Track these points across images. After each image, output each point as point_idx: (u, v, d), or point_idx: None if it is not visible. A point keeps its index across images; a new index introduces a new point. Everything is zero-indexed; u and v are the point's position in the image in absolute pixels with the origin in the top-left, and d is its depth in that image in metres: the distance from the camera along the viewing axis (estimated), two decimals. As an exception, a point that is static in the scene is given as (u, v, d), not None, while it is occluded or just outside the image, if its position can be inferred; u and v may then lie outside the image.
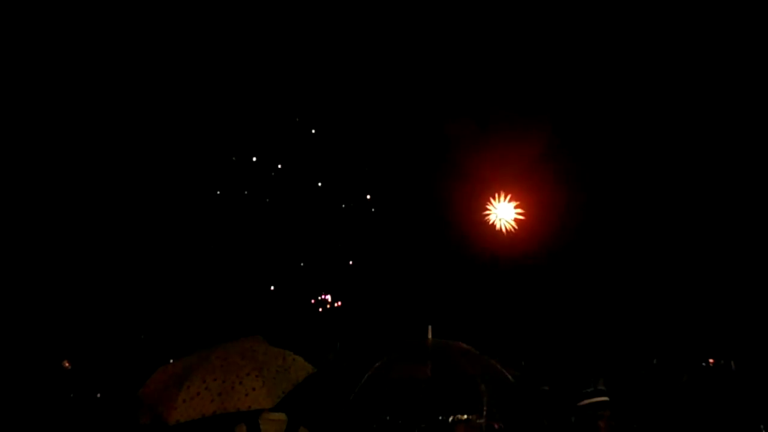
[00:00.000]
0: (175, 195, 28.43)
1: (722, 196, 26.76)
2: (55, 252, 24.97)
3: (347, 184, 32.49)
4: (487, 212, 32.13)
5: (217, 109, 29.48)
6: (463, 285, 29.67)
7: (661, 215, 28.34)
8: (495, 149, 30.81)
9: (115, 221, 26.78)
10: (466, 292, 29.22)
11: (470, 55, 29.66)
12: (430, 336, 4.98)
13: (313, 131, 31.74)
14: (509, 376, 4.75)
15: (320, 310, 30.24)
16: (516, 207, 31.11)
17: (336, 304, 30.66)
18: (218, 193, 29.93)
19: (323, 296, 31.16)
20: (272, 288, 28.93)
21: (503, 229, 31.23)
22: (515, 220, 31.49)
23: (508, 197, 31.73)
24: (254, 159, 31.44)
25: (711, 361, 20.18)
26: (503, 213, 31.87)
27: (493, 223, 31.61)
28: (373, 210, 32.20)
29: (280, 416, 3.67)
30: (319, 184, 32.37)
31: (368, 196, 32.34)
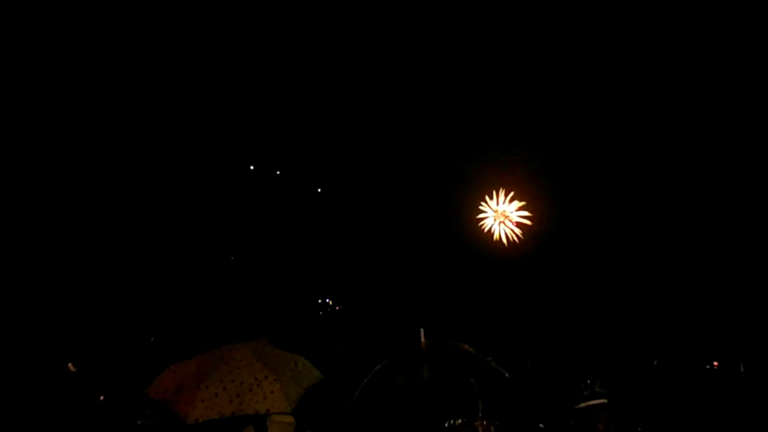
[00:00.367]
0: (180, 198, 28.58)
1: (726, 199, 26.82)
2: (60, 254, 25.07)
3: (347, 189, 32.71)
4: (484, 215, 30.72)
5: (221, 112, 29.67)
6: (465, 286, 29.77)
7: (664, 217, 28.39)
8: (496, 147, 30.68)
9: (121, 224, 26.91)
10: (469, 293, 29.34)
11: (471, 56, 29.71)
12: (423, 338, 4.98)
13: (315, 136, 31.98)
14: (506, 374, 4.77)
15: (321, 313, 30.45)
16: (519, 209, 29.88)
17: (337, 308, 30.88)
18: (221, 196, 30.12)
19: (324, 300, 31.37)
20: (273, 291, 29.03)
21: (503, 237, 29.83)
22: (518, 224, 30.16)
23: (509, 195, 30.46)
24: (258, 163, 31.65)
25: (716, 363, 20.11)
26: (503, 215, 30.47)
27: (491, 229, 30.21)
28: (372, 211, 32.35)
29: (289, 419, 3.70)
30: (319, 189, 32.70)
31: (368, 197, 32.56)
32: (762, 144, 25.76)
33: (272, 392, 3.44)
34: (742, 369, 16.62)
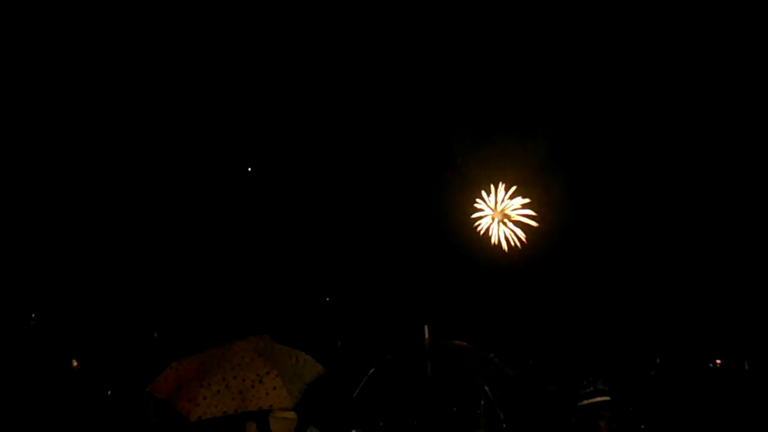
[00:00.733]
0: (182, 197, 28.62)
1: (728, 199, 26.71)
2: (63, 253, 25.16)
3: (346, 186, 32.46)
4: (480, 214, 27.54)
5: (221, 112, 29.66)
6: (469, 285, 29.37)
7: (667, 216, 28.26)
8: (494, 132, 28.40)
9: (124, 222, 26.99)
10: (472, 292, 29.01)
11: (472, 56, 29.35)
12: (427, 336, 5.00)
13: (315, 134, 31.86)
14: (509, 372, 4.77)
15: (321, 309, 30.32)
16: (521, 207, 27.32)
17: (337, 304, 30.66)
18: (222, 195, 30.13)
19: (324, 296, 31.19)
20: (274, 288, 29.02)
21: (502, 240, 26.72)
22: (519, 222, 27.20)
23: (510, 191, 27.39)
24: (259, 162, 31.59)
25: (718, 361, 20.06)
26: (503, 213, 27.25)
27: (487, 230, 26.83)
28: (372, 210, 32.14)
29: (291, 414, 3.69)
30: (319, 183, 32.46)
31: (368, 197, 32.37)
32: (763, 144, 25.68)
33: (274, 388, 3.44)
34: (746, 367, 16.55)
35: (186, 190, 28.66)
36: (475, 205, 28.82)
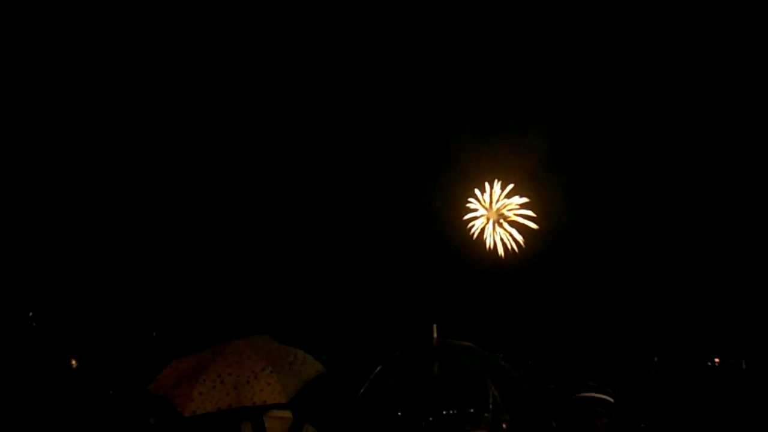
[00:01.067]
0: (182, 197, 28.58)
1: (725, 200, 26.69)
2: (63, 252, 25.11)
3: (348, 185, 32.29)
4: (473, 214, 24.33)
5: (221, 112, 29.61)
6: (469, 284, 29.06)
7: (666, 217, 28.20)
8: (493, 138, 26.46)
9: (125, 221, 26.95)
10: (472, 291, 28.75)
11: (472, 56, 29.04)
12: (435, 335, 5.02)
13: (317, 132, 31.73)
14: (516, 375, 4.79)
15: (320, 309, 30.24)
16: (521, 206, 24.87)
17: (335, 304, 30.55)
18: (222, 195, 30.08)
19: (324, 295, 31.09)
20: (275, 287, 28.99)
21: (497, 244, 23.61)
22: (515, 223, 24.15)
23: (507, 188, 24.39)
24: (259, 162, 31.51)
25: (717, 360, 20.07)
26: (499, 213, 23.94)
27: (481, 233, 23.41)
28: (374, 210, 31.94)
29: (286, 413, 3.68)
30: (321, 181, 32.25)
31: (369, 196, 32.18)
32: (762, 144, 25.69)
33: (269, 384, 3.47)
34: (744, 366, 16.57)
35: (187, 192, 28.63)
36: (468, 204, 26.54)
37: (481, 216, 25.58)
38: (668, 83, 27.44)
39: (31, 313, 20.58)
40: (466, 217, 26.26)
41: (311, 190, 30.93)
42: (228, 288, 27.26)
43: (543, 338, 24.02)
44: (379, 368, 4.78)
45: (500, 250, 25.50)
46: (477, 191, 25.85)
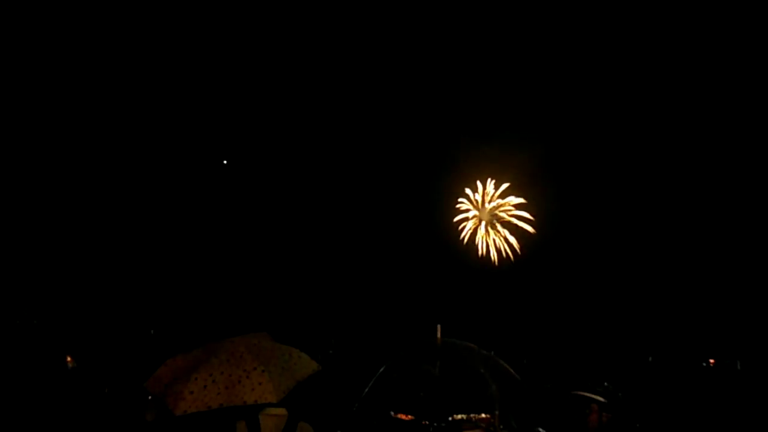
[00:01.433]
0: (181, 195, 28.61)
1: (722, 202, 26.75)
2: (59, 249, 25.10)
3: (349, 182, 32.25)
4: (464, 215, 22.50)
5: (222, 112, 29.62)
6: (467, 283, 29.01)
7: (662, 217, 28.24)
8: (488, 135, 25.38)
9: (122, 219, 26.96)
10: (470, 290, 28.73)
11: (471, 55, 28.99)
12: (439, 335, 5.06)
13: (316, 130, 31.71)
14: (518, 377, 4.83)
15: (320, 307, 30.26)
16: (516, 207, 23.23)
17: (335, 303, 30.57)
18: (221, 193, 30.11)
19: (323, 294, 31.11)
20: (274, 285, 29.03)
21: (491, 250, 21.69)
22: (509, 224, 22.13)
23: (501, 188, 22.48)
24: (259, 160, 31.53)
25: (711, 361, 20.11)
26: (493, 214, 21.88)
27: (474, 235, 21.38)
28: (375, 210, 31.92)
29: (281, 411, 3.69)
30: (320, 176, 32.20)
31: (370, 195, 32.18)
32: (761, 144, 25.79)
33: (260, 383, 3.48)
34: (739, 367, 16.62)
35: (185, 191, 28.67)
36: (459, 205, 24.52)
37: (473, 217, 23.37)
38: (668, 81, 27.53)
39: (26, 313, 20.55)
40: (457, 218, 24.46)
41: (313, 191, 31.00)
42: (232, 287, 27.32)
43: (538, 338, 24.07)
44: (383, 368, 4.82)
45: (493, 256, 23.61)
46: (468, 191, 23.88)
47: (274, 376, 3.53)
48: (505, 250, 22.42)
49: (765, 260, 24.65)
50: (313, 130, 30.94)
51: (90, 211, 26.37)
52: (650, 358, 20.20)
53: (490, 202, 23.59)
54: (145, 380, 3.92)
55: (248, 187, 30.31)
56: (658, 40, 26.71)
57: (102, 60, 26.16)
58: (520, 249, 23.90)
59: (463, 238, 23.73)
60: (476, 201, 23.67)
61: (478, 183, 23.59)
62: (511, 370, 4.96)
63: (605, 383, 3.91)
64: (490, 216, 23.08)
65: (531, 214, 25.26)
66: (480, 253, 22.77)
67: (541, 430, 4.19)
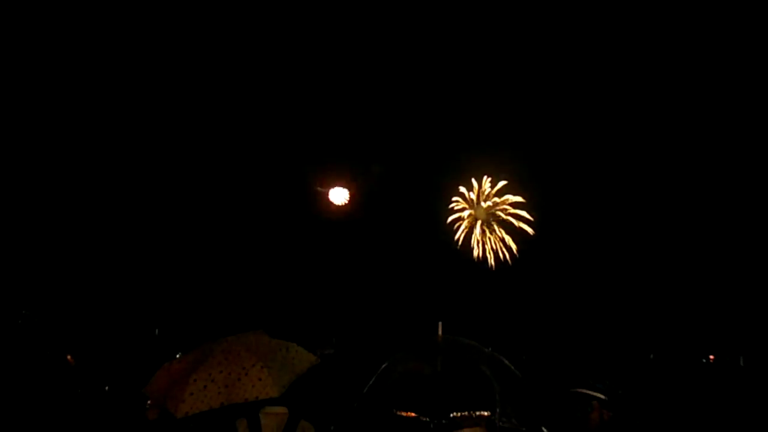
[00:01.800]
0: (181, 195, 28.63)
1: (723, 199, 26.74)
2: (61, 250, 25.14)
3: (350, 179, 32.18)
4: (459, 214, 21.08)
5: (218, 111, 29.62)
6: (467, 282, 28.94)
7: (662, 214, 28.22)
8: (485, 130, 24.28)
9: (123, 220, 27.00)
10: (470, 288, 28.68)
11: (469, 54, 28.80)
12: (440, 332, 5.08)
13: (315, 128, 31.69)
14: (519, 374, 4.84)
15: (320, 305, 30.25)
16: (514, 206, 21.91)
17: (336, 300, 30.57)
18: (221, 192, 30.11)
19: (324, 291, 31.10)
20: (274, 284, 29.05)
21: (488, 253, 20.47)
22: (507, 222, 20.76)
23: (498, 185, 21.21)
24: (259, 160, 31.50)
25: (711, 357, 20.11)
26: (489, 212, 20.55)
27: (469, 237, 20.05)
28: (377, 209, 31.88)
29: (281, 410, 3.69)
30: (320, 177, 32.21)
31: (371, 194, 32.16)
32: (761, 140, 25.79)
33: (260, 379, 3.47)
34: (741, 362, 16.59)
35: (189, 191, 28.71)
36: (452, 204, 22.72)
37: (469, 216, 21.43)
38: (667, 80, 27.51)
39: (25, 311, 20.58)
40: (451, 218, 22.95)
41: (312, 190, 30.97)
42: (233, 286, 27.35)
43: (538, 335, 24.07)
44: (385, 365, 4.83)
45: (490, 259, 22.11)
46: (463, 189, 22.18)
47: (273, 371, 3.53)
48: (502, 251, 20.83)
49: (765, 256, 24.68)
50: (313, 130, 30.93)
51: (95, 211, 26.43)
52: (651, 356, 20.22)
53: (485, 200, 21.93)
54: (147, 380, 3.92)
55: (249, 187, 30.33)
56: (658, 41, 26.70)
57: (107, 60, 26.18)
58: (518, 251, 22.49)
59: (458, 239, 22.30)
60: (471, 200, 22.15)
61: (473, 181, 22.14)
62: (512, 367, 4.96)
63: (606, 380, 3.91)
64: (487, 215, 21.26)
65: (530, 214, 24.09)
66: (476, 255, 21.34)
67: (544, 429, 4.20)
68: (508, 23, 27.04)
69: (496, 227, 21.56)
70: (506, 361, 5.01)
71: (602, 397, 3.80)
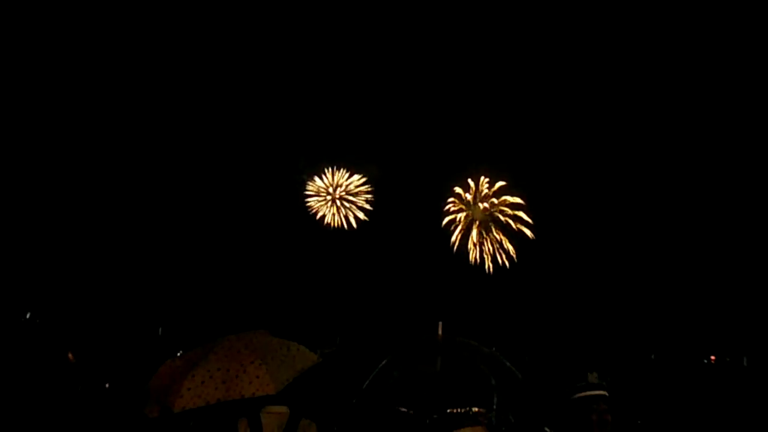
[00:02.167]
0: (188, 196, 28.67)
1: (725, 199, 26.67)
2: (64, 247, 25.19)
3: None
4: (453, 215, 20.46)
5: (217, 110, 29.63)
6: (468, 282, 28.90)
7: (663, 214, 28.17)
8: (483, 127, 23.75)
9: (126, 219, 27.04)
10: (471, 288, 28.66)
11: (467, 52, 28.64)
12: (440, 332, 5.09)
13: (314, 127, 31.69)
14: (519, 375, 4.84)
15: (324, 305, 30.25)
16: (513, 207, 20.99)
17: (338, 299, 30.56)
18: (227, 193, 30.13)
19: (326, 291, 31.10)
20: (278, 284, 29.07)
21: (485, 257, 20.00)
22: (506, 223, 19.90)
23: (497, 186, 20.44)
24: (261, 159, 31.51)
25: (713, 358, 20.07)
26: (485, 213, 19.82)
27: (464, 240, 19.18)
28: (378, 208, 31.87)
29: (282, 409, 3.69)
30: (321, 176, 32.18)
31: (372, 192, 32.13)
32: (761, 141, 25.75)
33: (257, 377, 3.48)
34: (745, 363, 16.56)
35: (192, 189, 28.75)
36: (448, 206, 21.45)
37: (466, 218, 20.19)
38: (667, 80, 27.50)
39: (29, 312, 20.66)
40: (446, 221, 21.77)
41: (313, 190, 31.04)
42: (237, 286, 27.41)
43: (540, 335, 24.04)
44: (384, 362, 4.84)
45: (488, 262, 21.05)
46: (458, 189, 20.84)
47: (272, 368, 3.53)
48: (500, 255, 19.64)
49: (766, 256, 24.64)
50: (312, 130, 30.96)
51: (100, 211, 26.50)
52: (653, 356, 20.18)
53: (482, 201, 20.55)
54: (149, 378, 3.93)
55: (252, 187, 30.38)
56: (657, 45, 26.69)
57: (107, 60, 26.20)
58: (516, 255, 21.40)
59: (454, 243, 21.15)
60: (468, 201, 20.85)
61: (470, 181, 21.01)
62: (513, 368, 4.96)
63: (593, 379, 3.89)
64: (484, 216, 19.99)
65: (528, 216, 22.96)
66: (473, 258, 20.15)
67: (547, 429, 4.20)
68: (508, 24, 27.06)
69: (493, 229, 20.28)
70: (506, 362, 5.00)
71: (603, 393, 3.79)
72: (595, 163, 28.21)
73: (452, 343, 5.09)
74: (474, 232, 19.65)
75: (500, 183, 20.69)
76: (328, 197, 21.72)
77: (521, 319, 26.20)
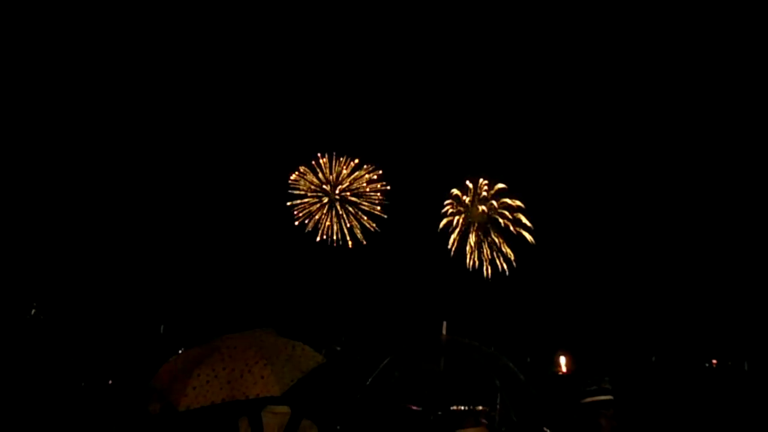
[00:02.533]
0: (193, 194, 28.70)
1: (726, 201, 26.60)
2: (67, 246, 25.24)
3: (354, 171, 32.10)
4: (450, 217, 20.08)
5: (218, 109, 29.65)
6: (471, 283, 28.83)
7: (665, 216, 28.09)
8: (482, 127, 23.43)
9: (131, 218, 27.07)
10: (474, 289, 28.59)
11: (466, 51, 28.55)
12: (444, 332, 5.11)
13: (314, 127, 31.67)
14: (521, 376, 4.86)
15: (331, 305, 30.19)
16: (511, 208, 20.56)
17: (345, 301, 30.49)
18: (232, 193, 30.14)
19: (334, 293, 31.04)
20: (284, 284, 29.06)
21: (483, 262, 19.52)
22: (506, 229, 19.48)
23: (496, 187, 20.06)
24: (264, 159, 31.51)
25: (714, 362, 20.03)
26: (483, 214, 19.43)
27: (462, 241, 18.81)
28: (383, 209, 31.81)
29: (284, 409, 3.68)
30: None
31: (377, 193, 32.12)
32: (762, 143, 25.69)
33: (262, 377, 3.46)
34: (746, 367, 16.54)
35: (197, 187, 28.78)
36: (445, 208, 20.71)
37: (463, 222, 19.40)
38: (667, 80, 27.48)
39: (34, 308, 20.71)
40: (442, 224, 20.96)
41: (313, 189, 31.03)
42: (242, 285, 27.42)
43: (542, 337, 24.01)
44: (387, 360, 4.86)
45: (486, 268, 20.27)
46: (456, 191, 20.06)
47: (276, 369, 3.52)
48: (499, 259, 18.97)
49: (766, 261, 24.58)
50: (312, 130, 30.99)
51: (104, 210, 26.55)
52: (653, 358, 20.15)
53: (481, 203, 19.78)
54: (151, 375, 3.93)
55: (255, 188, 30.41)
56: (656, 47, 26.64)
57: (107, 60, 26.24)
58: (515, 260, 20.70)
59: (451, 246, 20.38)
60: (467, 203, 20.14)
61: (468, 183, 20.25)
62: (514, 368, 4.98)
63: (605, 384, 3.91)
64: (482, 217, 19.25)
65: (528, 220, 22.29)
66: (469, 263, 19.36)
67: (546, 430, 4.21)
68: (508, 26, 27.07)
69: (492, 233, 19.47)
70: (509, 362, 5.02)
71: (608, 397, 3.81)
72: (594, 168, 28.19)
73: (456, 343, 5.12)
74: (472, 236, 18.76)
75: (499, 185, 19.62)
76: (325, 198, 19.89)
77: (521, 319, 26.21)
